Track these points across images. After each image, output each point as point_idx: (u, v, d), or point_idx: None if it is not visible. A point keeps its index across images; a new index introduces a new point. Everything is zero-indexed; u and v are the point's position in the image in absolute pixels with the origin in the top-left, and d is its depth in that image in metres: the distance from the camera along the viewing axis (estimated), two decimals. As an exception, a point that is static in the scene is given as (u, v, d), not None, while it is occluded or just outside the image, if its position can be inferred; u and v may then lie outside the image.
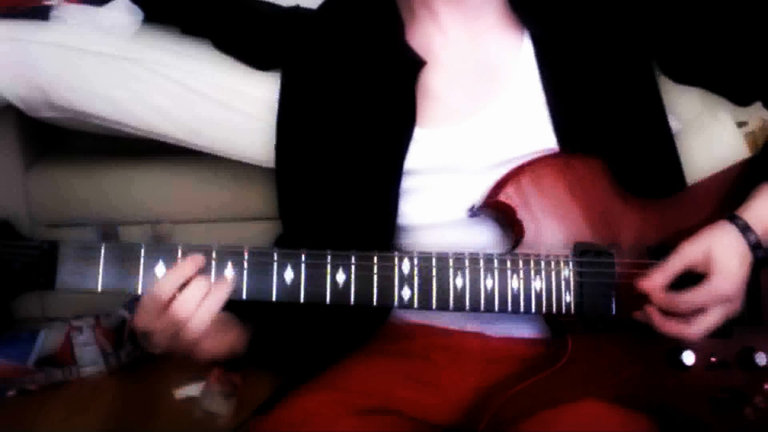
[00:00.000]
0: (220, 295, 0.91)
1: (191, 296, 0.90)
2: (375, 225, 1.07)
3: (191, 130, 1.46)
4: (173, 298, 0.90)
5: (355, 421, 1.04)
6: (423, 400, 1.08)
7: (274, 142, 1.19)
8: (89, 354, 1.71)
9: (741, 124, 1.43)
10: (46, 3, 1.46)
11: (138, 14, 1.45)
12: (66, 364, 1.69)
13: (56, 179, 1.79)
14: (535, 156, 1.04)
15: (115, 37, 1.43)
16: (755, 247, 0.98)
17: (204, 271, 0.92)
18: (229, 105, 1.42)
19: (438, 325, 1.12)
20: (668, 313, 0.98)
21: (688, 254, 0.98)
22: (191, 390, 1.64)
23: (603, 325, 1.01)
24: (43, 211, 1.77)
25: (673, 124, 1.15)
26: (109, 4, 1.45)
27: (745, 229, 0.99)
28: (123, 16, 1.44)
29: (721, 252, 0.97)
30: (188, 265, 0.91)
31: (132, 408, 1.62)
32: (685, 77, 1.13)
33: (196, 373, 1.65)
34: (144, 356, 1.76)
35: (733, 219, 0.99)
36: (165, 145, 1.51)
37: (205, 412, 1.57)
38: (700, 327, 0.98)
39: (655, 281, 0.98)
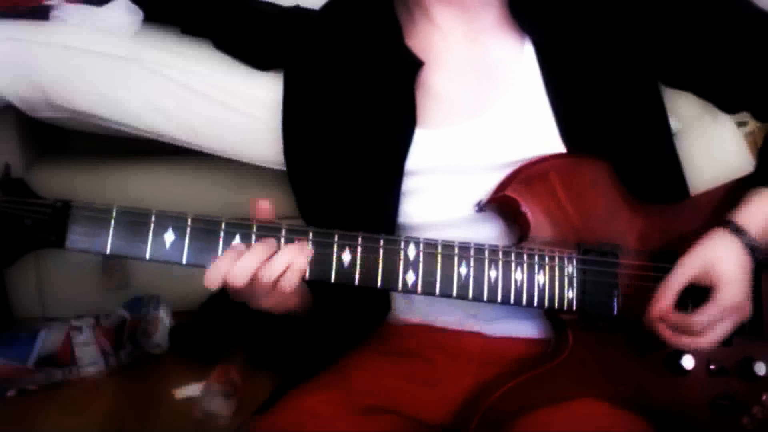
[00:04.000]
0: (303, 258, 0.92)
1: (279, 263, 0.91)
2: (376, 224, 1.07)
3: (191, 130, 1.46)
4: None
5: (355, 420, 1.04)
6: (422, 399, 1.08)
7: (274, 142, 1.19)
8: (89, 354, 1.71)
9: (741, 124, 1.43)
10: (46, 3, 1.47)
11: (138, 14, 1.45)
12: (66, 364, 1.69)
13: (56, 179, 1.79)
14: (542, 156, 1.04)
15: (115, 37, 1.43)
16: (752, 249, 0.98)
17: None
18: (229, 105, 1.42)
19: (437, 324, 1.12)
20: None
21: (686, 271, 0.98)
22: (191, 390, 1.64)
23: (604, 323, 1.02)
24: (43, 210, 1.77)
25: (673, 124, 1.15)
26: (109, 4, 1.45)
27: (738, 231, 0.99)
28: (123, 16, 1.44)
29: (720, 262, 0.97)
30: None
31: (132, 408, 1.62)
32: (674, 81, 1.13)
33: (196, 373, 1.65)
34: (144, 356, 1.76)
35: (726, 223, 1.00)
36: (165, 145, 1.51)
37: (205, 412, 1.57)
38: (712, 338, 0.98)
39: (662, 307, 0.98)
